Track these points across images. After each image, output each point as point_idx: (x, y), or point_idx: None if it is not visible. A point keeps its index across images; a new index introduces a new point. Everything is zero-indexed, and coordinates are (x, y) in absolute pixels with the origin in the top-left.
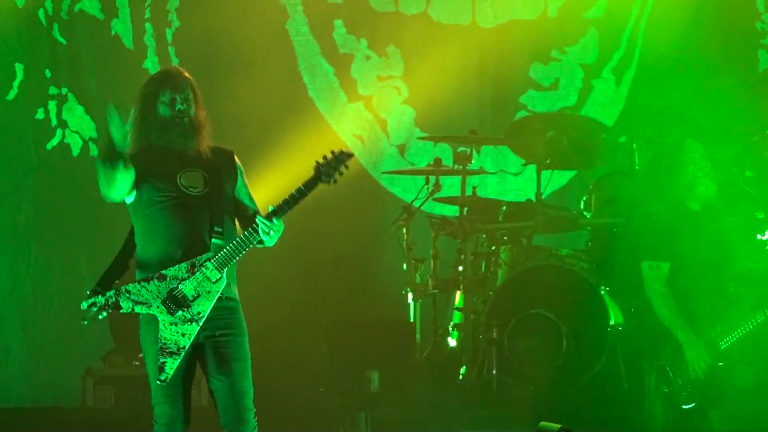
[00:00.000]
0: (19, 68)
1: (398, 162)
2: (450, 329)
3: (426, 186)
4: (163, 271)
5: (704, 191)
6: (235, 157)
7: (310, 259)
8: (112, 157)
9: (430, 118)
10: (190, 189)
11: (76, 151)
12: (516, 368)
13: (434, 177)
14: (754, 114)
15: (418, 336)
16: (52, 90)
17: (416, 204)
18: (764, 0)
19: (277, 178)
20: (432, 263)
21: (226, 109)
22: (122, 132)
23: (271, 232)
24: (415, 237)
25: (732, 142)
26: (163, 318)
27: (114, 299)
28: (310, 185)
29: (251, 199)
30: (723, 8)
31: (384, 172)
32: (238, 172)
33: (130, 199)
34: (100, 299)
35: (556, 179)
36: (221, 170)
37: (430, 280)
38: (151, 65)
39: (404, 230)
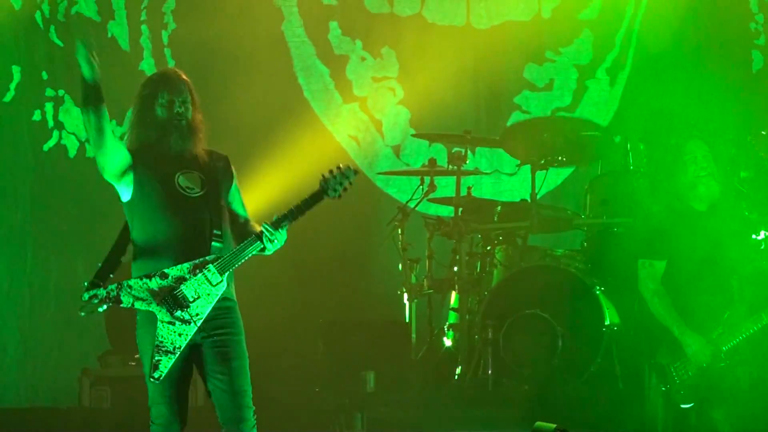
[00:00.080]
0: (15, 70)
1: (393, 163)
2: (445, 329)
3: (421, 186)
4: (166, 270)
5: (705, 191)
6: (230, 163)
7: (305, 260)
8: (89, 96)
9: (425, 119)
10: (188, 190)
11: (72, 153)
12: (511, 368)
13: (429, 177)
14: (748, 114)
15: (413, 336)
16: (49, 92)
17: (411, 204)
18: (758, 0)
19: (273, 179)
20: (427, 263)
21: (222, 111)
22: (91, 64)
23: (275, 240)
24: (411, 237)
25: (726, 143)
26: (162, 316)
27: (115, 293)
28: (315, 198)
29: (243, 207)
30: (717, 9)
31: (379, 173)
32: (233, 177)
33: (126, 197)
34: (102, 291)
35: (551, 179)
36: (217, 173)
37: (425, 280)
38: (148, 67)
39: (399, 231)
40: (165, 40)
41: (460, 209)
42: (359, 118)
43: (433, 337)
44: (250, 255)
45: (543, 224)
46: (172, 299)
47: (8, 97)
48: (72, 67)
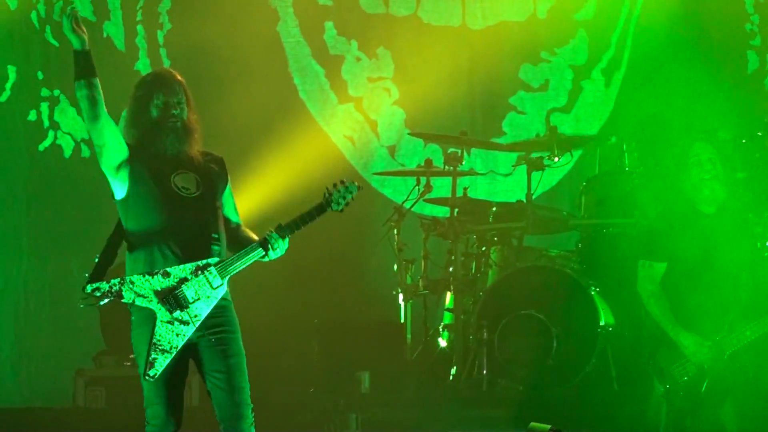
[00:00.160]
0: (11, 70)
1: (389, 163)
2: (440, 330)
3: (417, 187)
4: (168, 269)
5: (710, 194)
6: (225, 165)
7: (301, 260)
8: (80, 66)
9: (420, 119)
10: (184, 190)
11: (68, 153)
12: (506, 369)
13: (425, 178)
14: (744, 115)
15: (408, 336)
16: (44, 92)
17: (407, 205)
18: (753, 1)
19: (269, 179)
20: (422, 264)
21: (217, 111)
22: (77, 34)
23: (277, 249)
24: (406, 238)
25: (722, 144)
26: (161, 315)
27: (117, 287)
28: (318, 211)
29: (235, 211)
30: (712, 9)
31: (375, 173)
32: (227, 180)
33: (120, 195)
34: (104, 285)
35: (546, 180)
36: (213, 175)
37: (420, 280)
38: (143, 67)
39: (395, 231)
40: (160, 40)
41: (456, 210)
42: (354, 118)
43: (428, 337)
44: (251, 261)
45: (538, 225)
46: (173, 299)
47: (4, 97)
48: (67, 67)
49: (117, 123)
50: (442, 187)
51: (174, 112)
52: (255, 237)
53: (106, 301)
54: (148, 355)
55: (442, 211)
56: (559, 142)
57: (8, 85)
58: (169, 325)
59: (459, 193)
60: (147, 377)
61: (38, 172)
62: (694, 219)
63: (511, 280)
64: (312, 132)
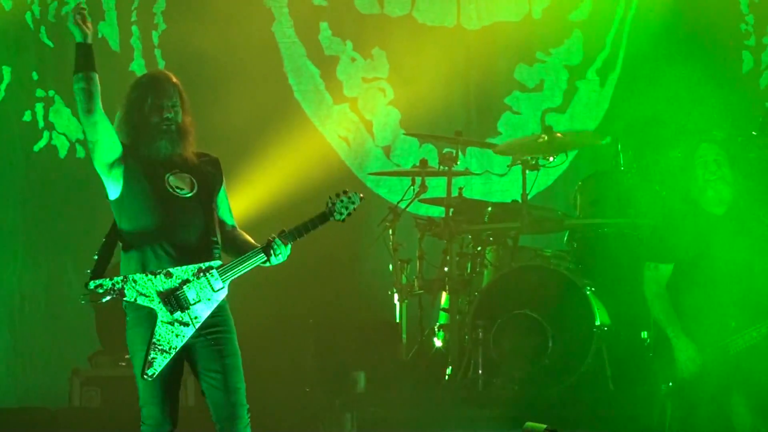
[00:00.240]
0: (6, 71)
1: (384, 163)
2: (436, 330)
3: (412, 187)
4: (171, 269)
5: (714, 195)
6: (220, 166)
7: (296, 260)
8: (79, 60)
9: (415, 120)
10: (178, 190)
11: (63, 153)
12: (501, 368)
13: (420, 178)
14: (739, 115)
15: (404, 336)
16: (39, 92)
17: (402, 205)
18: (748, 1)
19: (264, 179)
20: (418, 264)
21: (212, 111)
22: (80, 28)
23: (280, 255)
24: (401, 238)
25: (730, 144)
26: (162, 316)
27: (120, 285)
28: (320, 220)
29: (230, 213)
30: (706, 9)
31: (370, 174)
32: (222, 182)
33: (114, 194)
34: (107, 282)
35: (542, 180)
36: (208, 176)
37: (416, 280)
38: (138, 68)
39: (390, 231)
40: (155, 40)
41: (451, 210)
42: (349, 118)
43: (423, 337)
44: (253, 266)
45: (534, 225)
46: (175, 300)
47: None
48: (62, 68)
49: (112, 123)
50: (437, 187)
51: (168, 115)
52: (250, 239)
53: (108, 298)
54: (147, 354)
55: (437, 211)
56: (555, 142)
57: (3, 86)
58: (170, 326)
59: (454, 193)
60: (146, 376)
61: (33, 172)
62: (703, 220)
63: (506, 280)
64: (307, 132)
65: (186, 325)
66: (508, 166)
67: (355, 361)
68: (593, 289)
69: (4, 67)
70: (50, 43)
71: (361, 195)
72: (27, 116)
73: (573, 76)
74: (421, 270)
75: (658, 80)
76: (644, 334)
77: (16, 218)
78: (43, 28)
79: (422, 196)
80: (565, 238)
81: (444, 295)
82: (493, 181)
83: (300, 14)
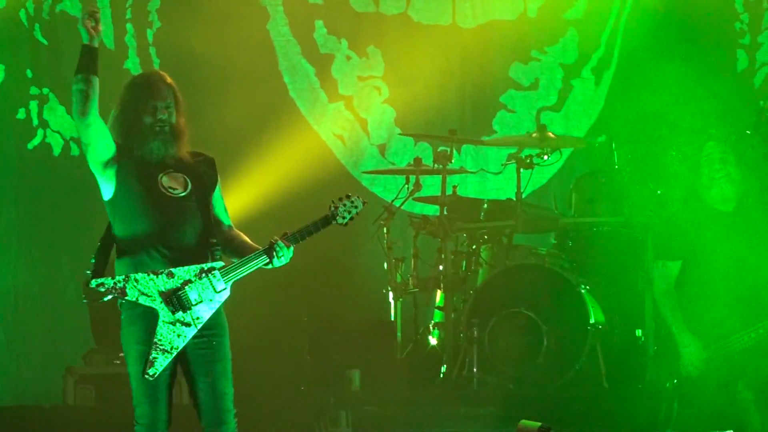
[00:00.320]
0: (0, 69)
1: (379, 162)
2: (430, 328)
3: (406, 185)
4: (173, 269)
5: (718, 192)
6: (215, 166)
7: (291, 258)
8: (82, 62)
9: (410, 118)
10: (171, 190)
11: (57, 151)
12: (496, 367)
13: (415, 176)
14: (733, 114)
15: (398, 335)
16: (33, 90)
17: (397, 203)
18: (743, 0)
19: (259, 177)
20: (412, 262)
21: (207, 110)
22: (88, 30)
23: (282, 257)
24: (396, 236)
25: (738, 142)
26: (164, 316)
27: (122, 284)
28: (323, 223)
29: (226, 213)
30: (701, 8)
31: (364, 172)
32: (217, 182)
33: (108, 195)
34: (109, 281)
35: (536, 178)
36: (203, 176)
37: (410, 279)
38: (132, 66)
39: (385, 229)
40: (150, 38)
41: (446, 208)
42: (345, 116)
43: (418, 335)
44: (255, 267)
45: (528, 223)
46: (177, 300)
47: None
48: (57, 66)
49: (106, 122)
50: (432, 185)
51: (161, 116)
52: (248, 240)
53: (109, 297)
54: (149, 354)
55: (432, 210)
56: (546, 141)
57: None
58: (171, 326)
59: (449, 192)
60: (147, 376)
61: (27, 170)
62: (710, 217)
63: (501, 278)
64: (302, 131)
65: (188, 325)
66: (502, 164)
67: (349, 359)
68: (588, 287)
69: None
70: (44, 41)
71: (365, 200)
72: (21, 114)
73: (568, 75)
74: (416, 268)
75: (653, 79)
76: (638, 332)
77: (10, 216)
78: (37, 26)
79: (417, 195)
80: (553, 237)
81: (439, 294)
82: (487, 179)
83: (295, 12)
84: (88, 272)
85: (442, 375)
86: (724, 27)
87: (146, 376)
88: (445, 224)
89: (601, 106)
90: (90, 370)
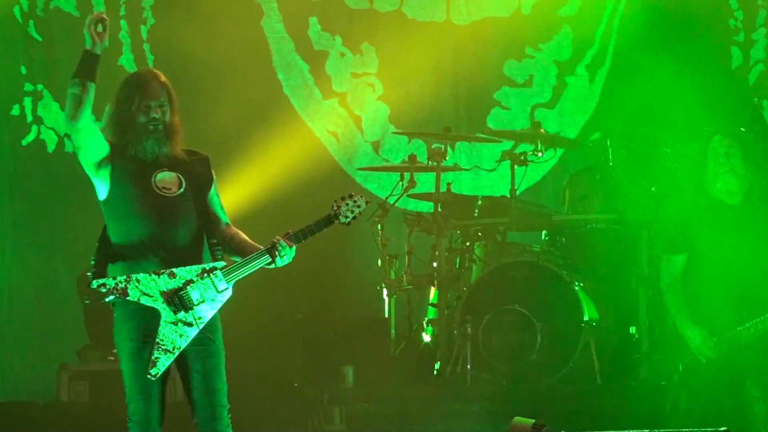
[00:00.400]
0: None
1: (373, 158)
2: (424, 325)
3: (401, 182)
4: (174, 269)
5: (723, 186)
6: (210, 164)
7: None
8: (81, 67)
9: (404, 115)
10: (164, 190)
11: (51, 147)
12: (490, 363)
13: (409, 173)
14: (728, 111)
15: (392, 331)
16: (28, 87)
17: (391, 200)
18: None
19: (253, 174)
20: (407, 259)
21: (201, 106)
22: (91, 36)
23: (285, 257)
24: (390, 233)
25: (744, 136)
26: (166, 316)
27: (123, 285)
28: (326, 222)
29: (223, 210)
30: (696, 6)
31: (359, 169)
32: (213, 179)
33: (102, 195)
34: (110, 281)
35: (530, 175)
36: (197, 174)
37: (404, 275)
38: (126, 62)
39: (379, 226)
40: (144, 35)
41: (440, 205)
42: (339, 113)
43: (412, 332)
44: (257, 267)
45: (522, 220)
46: (179, 300)
47: None
48: (50, 63)
49: (100, 119)
50: (426, 182)
51: (155, 115)
52: (247, 238)
53: (110, 297)
54: (151, 354)
55: (426, 207)
56: (538, 137)
57: None
58: (173, 326)
59: (443, 189)
60: (149, 376)
61: (21, 166)
62: (716, 210)
63: (494, 275)
64: (296, 127)
65: (190, 325)
66: (496, 161)
67: (343, 356)
68: (582, 284)
69: None
70: (38, 38)
71: (368, 200)
72: (15, 110)
73: (562, 72)
74: (410, 265)
75: (648, 76)
76: (632, 329)
77: (4, 212)
78: (31, 23)
79: (411, 192)
80: (543, 235)
81: (432, 290)
82: (481, 176)
83: (289, 9)
84: (89, 273)
85: (435, 372)
86: (718, 24)
87: (149, 376)
88: (439, 221)
89: (596, 103)
90: (84, 367)
